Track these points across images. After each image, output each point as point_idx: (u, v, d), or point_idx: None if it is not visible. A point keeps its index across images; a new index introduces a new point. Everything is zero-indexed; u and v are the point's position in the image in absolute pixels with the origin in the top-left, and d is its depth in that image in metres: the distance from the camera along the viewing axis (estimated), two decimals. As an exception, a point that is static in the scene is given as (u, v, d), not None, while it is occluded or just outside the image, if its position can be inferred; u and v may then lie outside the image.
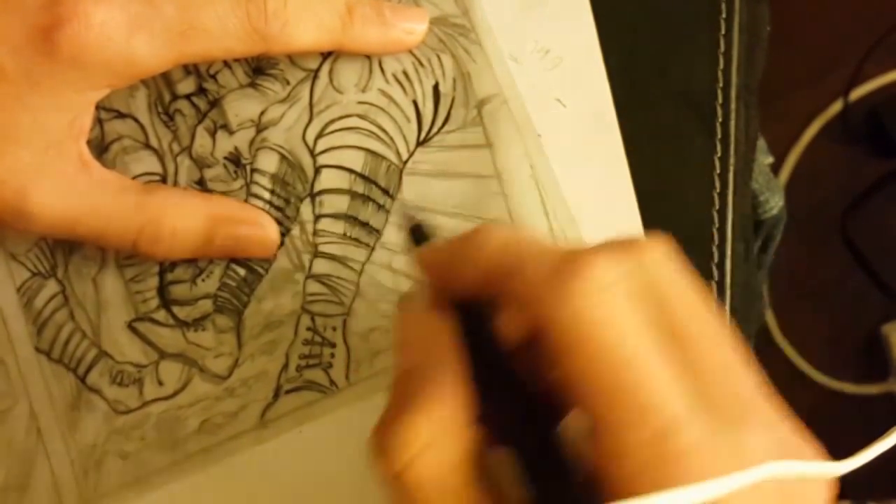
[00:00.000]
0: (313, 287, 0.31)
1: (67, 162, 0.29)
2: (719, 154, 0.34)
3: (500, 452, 0.22)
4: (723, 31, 0.34)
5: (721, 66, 0.34)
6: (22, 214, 0.29)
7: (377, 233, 0.31)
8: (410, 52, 0.32)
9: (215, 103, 0.32)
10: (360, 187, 0.32)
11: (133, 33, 0.28)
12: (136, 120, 0.32)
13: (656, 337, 0.20)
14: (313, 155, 0.32)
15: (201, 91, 0.32)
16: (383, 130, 0.32)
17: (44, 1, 0.27)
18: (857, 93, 0.88)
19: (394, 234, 0.31)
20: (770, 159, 0.51)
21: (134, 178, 0.32)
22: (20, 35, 0.27)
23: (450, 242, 0.25)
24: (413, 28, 0.32)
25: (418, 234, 0.28)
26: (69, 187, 0.29)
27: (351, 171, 0.32)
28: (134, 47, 0.28)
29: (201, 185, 0.32)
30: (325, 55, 0.32)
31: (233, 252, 0.31)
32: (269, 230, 0.31)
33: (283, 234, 0.31)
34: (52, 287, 0.32)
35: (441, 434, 0.21)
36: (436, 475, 0.21)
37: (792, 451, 0.21)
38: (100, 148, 0.32)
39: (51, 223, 0.29)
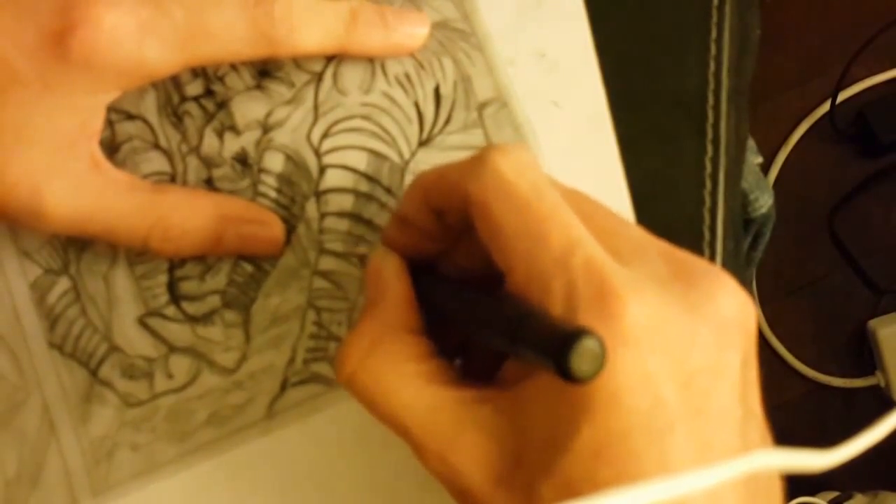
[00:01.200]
0: (319, 283, 0.32)
1: (80, 162, 0.30)
2: (710, 155, 0.34)
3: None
4: (714, 36, 0.35)
5: (712, 69, 0.35)
6: (35, 213, 0.29)
7: (381, 230, 0.32)
8: (412, 55, 0.33)
9: (223, 105, 0.33)
10: (363, 186, 0.32)
11: (143, 37, 0.28)
12: (145, 121, 0.33)
13: (556, 195, 0.24)
14: (318, 155, 0.32)
15: (209, 93, 0.33)
16: (386, 131, 0.33)
17: (56, 5, 0.28)
18: (845, 94, 0.89)
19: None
20: (759, 159, 0.52)
21: (144, 177, 0.32)
22: (33, 39, 0.28)
23: (400, 202, 0.29)
24: (415, 32, 0.32)
25: None
26: (81, 186, 0.30)
27: (355, 170, 0.32)
28: (144, 51, 0.28)
29: (209, 184, 0.33)
30: (329, 58, 0.33)
31: (240, 250, 0.32)
32: (276, 229, 0.32)
33: (289, 232, 0.32)
34: (64, 283, 0.32)
35: (382, 339, 0.25)
36: (384, 373, 0.25)
37: (670, 276, 0.23)
38: (111, 148, 0.33)
39: (64, 222, 0.30)
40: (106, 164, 0.31)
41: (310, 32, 0.31)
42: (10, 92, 0.28)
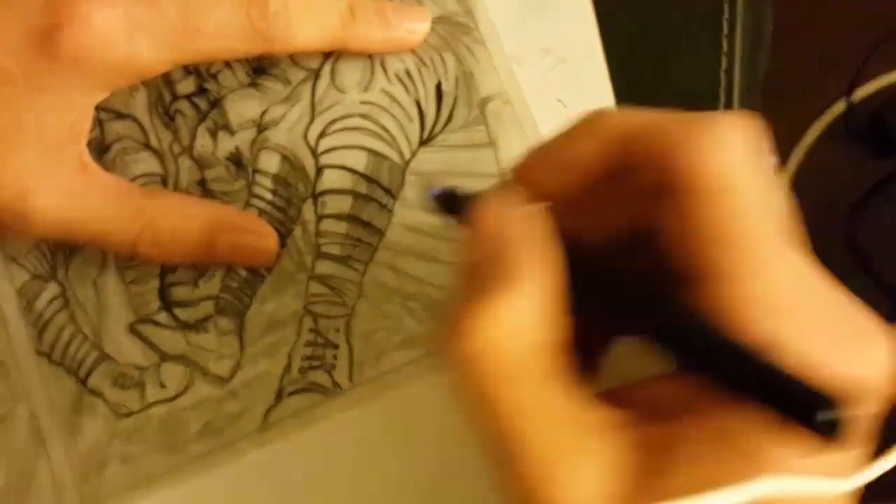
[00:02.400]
0: (316, 288, 0.31)
1: (68, 164, 0.29)
2: (722, 154, 0.34)
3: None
4: (725, 32, 0.34)
5: (723, 66, 0.34)
6: (22, 216, 0.29)
7: (380, 233, 0.31)
8: (413, 51, 0.32)
9: (216, 103, 0.32)
10: (362, 187, 0.31)
11: (134, 34, 0.28)
12: (136, 120, 0.32)
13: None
14: (315, 155, 0.32)
15: (202, 91, 0.32)
16: (386, 130, 0.32)
17: (45, 3, 0.27)
18: (860, 93, 0.87)
19: (397, 235, 0.31)
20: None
21: (134, 178, 0.32)
22: (21, 36, 0.27)
23: (549, 141, 0.24)
24: (415, 27, 0.31)
25: (447, 200, 0.26)
26: (69, 190, 0.29)
27: (353, 171, 0.32)
28: (135, 48, 0.28)
29: (202, 185, 0.32)
30: (327, 55, 0.32)
31: (231, 259, 0.31)
32: (270, 240, 0.31)
33: (285, 235, 0.31)
34: (52, 289, 0.32)
35: (532, 322, 0.20)
36: (517, 361, 0.20)
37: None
38: (100, 149, 0.32)
39: (50, 225, 0.29)
40: (94, 167, 0.30)
41: (306, 28, 0.30)
42: None
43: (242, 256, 0.31)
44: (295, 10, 0.29)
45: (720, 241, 0.20)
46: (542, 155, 0.24)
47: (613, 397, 0.21)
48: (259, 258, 0.31)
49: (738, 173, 0.20)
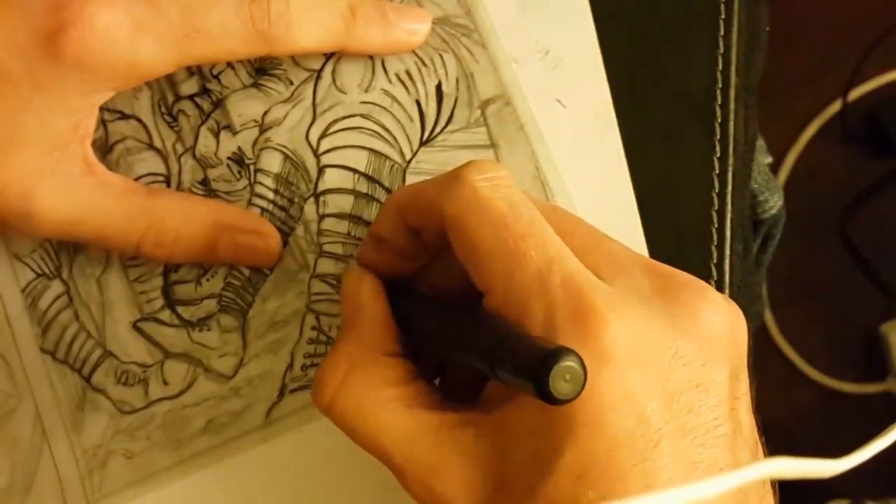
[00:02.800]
0: (318, 286, 0.31)
1: (72, 164, 0.29)
2: (718, 154, 0.34)
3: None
4: (722, 32, 0.34)
5: (720, 66, 0.34)
6: (26, 216, 0.29)
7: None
8: (413, 52, 0.32)
9: (218, 104, 0.32)
10: (363, 187, 0.32)
11: (137, 36, 0.28)
12: (139, 121, 0.32)
13: (533, 211, 0.24)
14: (317, 155, 0.32)
15: (204, 91, 0.32)
16: (386, 130, 0.32)
17: (48, 4, 0.27)
18: (856, 93, 0.88)
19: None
20: (769, 159, 0.51)
21: (138, 178, 0.32)
22: (25, 38, 0.27)
23: (374, 221, 0.29)
24: (415, 28, 0.32)
25: None
26: (74, 189, 0.29)
27: (354, 170, 0.32)
28: (138, 50, 0.28)
29: (205, 185, 0.32)
30: (328, 55, 0.32)
31: (234, 259, 0.31)
32: (273, 241, 0.31)
33: (287, 234, 0.32)
34: (56, 287, 0.32)
35: (357, 364, 0.25)
36: (362, 398, 0.24)
37: (653, 291, 0.23)
38: (104, 149, 0.32)
39: (55, 225, 0.29)
40: (99, 167, 0.30)
41: (307, 30, 0.30)
42: (0, 92, 0.28)
43: (245, 256, 0.31)
44: (297, 12, 0.30)
45: (485, 251, 0.23)
46: (367, 242, 0.29)
47: (468, 405, 0.25)
48: (262, 258, 0.31)
49: (482, 196, 0.24)
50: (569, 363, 0.19)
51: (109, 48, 0.28)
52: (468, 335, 0.23)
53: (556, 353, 0.19)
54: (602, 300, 0.22)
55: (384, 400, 0.24)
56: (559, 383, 0.19)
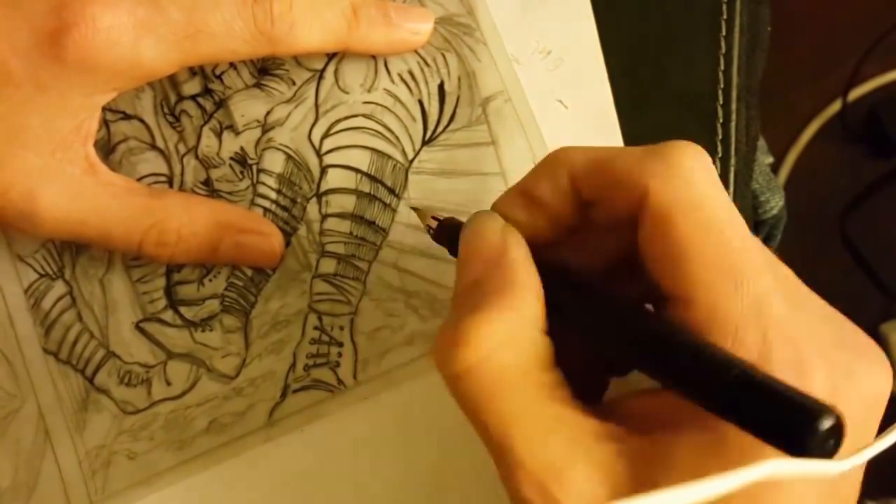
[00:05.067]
0: (320, 286, 0.31)
1: (75, 165, 0.29)
2: (720, 154, 0.34)
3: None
4: (723, 33, 0.34)
5: (722, 67, 0.34)
6: (29, 217, 0.29)
7: (383, 232, 0.31)
8: (416, 51, 0.32)
9: (221, 104, 0.32)
10: (366, 186, 0.32)
11: (139, 37, 0.28)
12: (142, 121, 0.32)
13: (746, 227, 0.21)
14: (319, 155, 0.32)
15: (207, 92, 0.32)
16: (389, 130, 0.32)
17: (51, 5, 0.27)
18: (856, 93, 0.88)
19: (400, 234, 0.31)
20: (770, 159, 0.51)
21: (140, 178, 0.32)
22: (28, 39, 0.27)
23: (518, 182, 0.25)
24: (418, 28, 0.32)
25: (446, 231, 0.27)
26: (76, 190, 0.29)
27: (357, 170, 0.32)
28: (140, 51, 0.28)
29: (207, 185, 0.32)
30: (331, 56, 0.32)
31: (236, 259, 0.31)
32: (275, 241, 0.31)
33: (289, 234, 0.31)
34: (59, 288, 0.32)
35: (514, 337, 0.21)
36: (508, 375, 0.21)
37: (834, 342, 0.21)
38: (106, 149, 0.32)
39: (58, 225, 0.29)
40: (101, 167, 0.30)
41: (310, 30, 0.30)
42: (3, 92, 0.28)
43: (247, 257, 0.31)
44: (299, 12, 0.30)
45: (697, 259, 0.21)
46: (512, 196, 0.25)
47: (602, 412, 0.22)
48: (264, 258, 0.31)
49: (701, 192, 0.21)
50: (832, 424, 0.17)
51: (112, 49, 0.28)
52: (668, 350, 0.20)
53: (822, 411, 0.17)
54: (812, 351, 0.20)
55: (531, 384, 0.21)
56: (820, 443, 0.17)
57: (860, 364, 0.21)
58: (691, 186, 0.21)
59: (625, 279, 0.24)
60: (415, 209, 0.31)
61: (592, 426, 0.21)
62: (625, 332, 0.22)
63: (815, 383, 0.20)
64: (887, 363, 0.22)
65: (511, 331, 0.21)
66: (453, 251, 0.26)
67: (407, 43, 0.32)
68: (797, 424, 0.17)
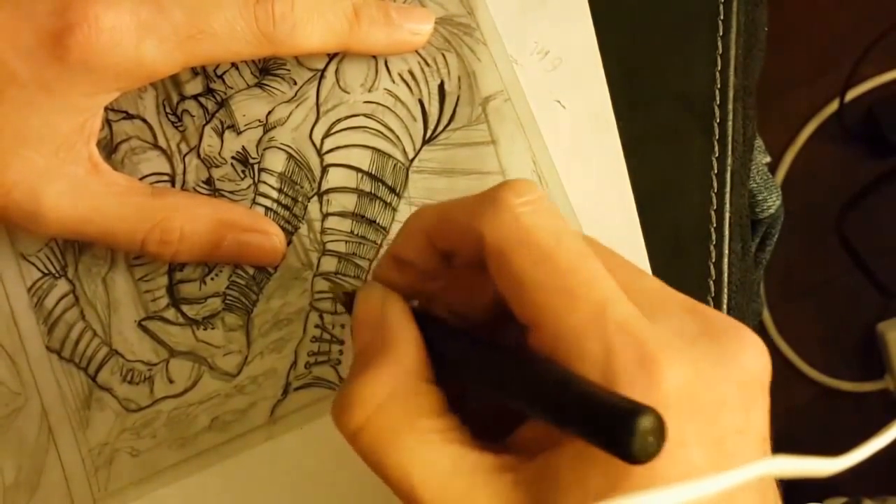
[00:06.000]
0: (321, 285, 0.31)
1: (78, 164, 0.30)
2: (717, 154, 0.34)
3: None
4: (721, 33, 0.35)
5: (719, 67, 0.34)
6: (33, 216, 0.29)
7: (384, 230, 0.32)
8: (416, 51, 0.32)
9: (223, 103, 0.32)
10: (367, 186, 0.32)
11: (142, 38, 0.28)
12: (144, 120, 0.32)
13: (580, 244, 0.23)
14: (320, 154, 0.32)
15: (209, 91, 0.32)
16: (390, 129, 0.32)
17: (54, 6, 0.27)
18: (853, 93, 0.88)
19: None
20: (767, 159, 0.52)
21: (142, 178, 0.32)
22: (31, 39, 0.27)
23: (389, 246, 0.27)
24: (419, 29, 0.32)
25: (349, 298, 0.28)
26: (80, 189, 0.29)
27: (358, 169, 0.32)
28: (143, 52, 0.28)
29: (209, 184, 0.32)
30: (331, 55, 0.32)
31: (238, 258, 0.31)
32: (276, 239, 0.31)
33: (290, 233, 0.32)
34: (62, 286, 0.32)
35: (396, 391, 0.23)
36: (398, 426, 0.22)
37: (697, 333, 0.22)
38: (109, 148, 0.32)
39: (61, 224, 0.29)
40: (104, 167, 0.30)
41: (312, 31, 0.30)
42: (6, 93, 0.28)
43: (250, 255, 0.31)
44: (301, 13, 0.30)
45: (532, 286, 0.22)
46: (386, 261, 0.27)
47: (501, 446, 0.23)
48: (266, 257, 0.31)
49: (526, 225, 0.22)
50: (650, 424, 0.18)
51: (114, 49, 0.28)
52: (516, 376, 0.22)
53: (636, 413, 0.18)
54: (659, 346, 0.21)
55: (423, 431, 0.22)
56: (641, 443, 0.18)
57: (728, 348, 0.22)
58: (518, 221, 0.22)
59: (509, 318, 0.25)
60: (330, 286, 0.32)
61: (489, 461, 0.22)
62: (486, 368, 0.23)
63: (666, 378, 0.20)
64: (759, 342, 0.23)
65: (394, 384, 0.23)
66: None
67: (408, 43, 0.32)
68: (615, 429, 0.18)
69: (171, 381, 0.31)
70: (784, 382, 0.97)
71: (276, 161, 0.32)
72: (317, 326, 0.31)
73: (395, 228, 0.32)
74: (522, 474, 0.22)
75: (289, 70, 0.32)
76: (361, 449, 0.23)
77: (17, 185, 0.29)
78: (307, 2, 0.30)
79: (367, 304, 0.26)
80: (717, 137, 0.34)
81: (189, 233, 0.30)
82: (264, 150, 0.32)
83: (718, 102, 0.34)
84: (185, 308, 0.32)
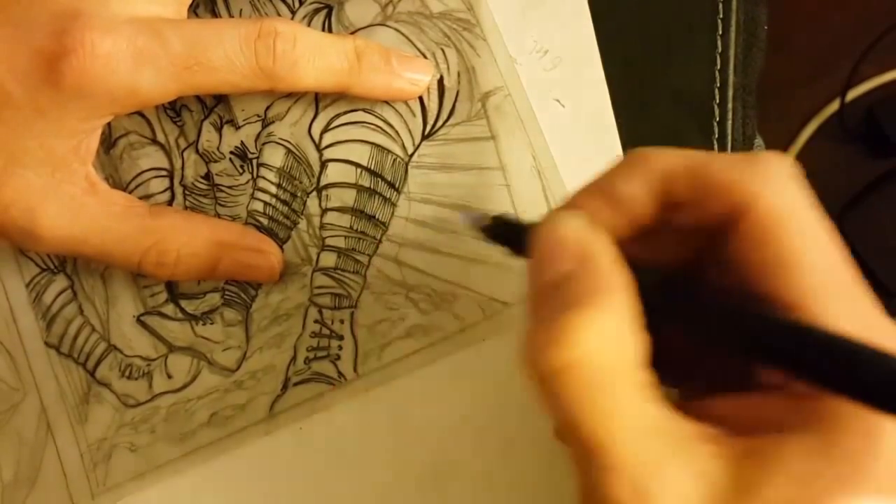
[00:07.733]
0: (320, 280, 0.31)
1: (75, 184, 0.29)
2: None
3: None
4: (720, 32, 0.35)
5: (718, 66, 0.34)
6: (30, 235, 0.29)
7: (383, 226, 0.32)
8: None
9: (221, 98, 0.32)
10: (366, 181, 0.32)
11: (138, 66, 0.28)
12: (143, 115, 0.32)
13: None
14: (319, 149, 0.32)
15: (208, 87, 0.32)
16: (389, 124, 0.32)
17: (52, 29, 0.27)
18: (854, 93, 0.88)
19: (400, 227, 0.32)
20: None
21: (141, 172, 0.32)
22: (27, 62, 0.27)
23: (596, 179, 0.24)
24: (418, 80, 0.32)
25: (498, 227, 0.26)
26: (76, 209, 0.29)
27: (357, 164, 0.32)
28: (138, 80, 0.28)
29: (208, 179, 0.32)
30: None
31: (236, 277, 0.31)
32: (273, 258, 0.31)
33: (289, 228, 0.32)
34: (61, 282, 0.32)
35: (616, 334, 0.21)
36: (607, 374, 0.20)
37: None
38: (107, 144, 0.32)
39: (57, 243, 0.29)
40: (102, 186, 0.30)
41: (312, 70, 0.30)
42: (2, 114, 0.28)
43: (247, 274, 0.31)
44: (302, 51, 0.29)
45: (808, 267, 0.21)
46: (592, 192, 0.24)
47: (689, 412, 0.22)
48: (263, 276, 0.31)
49: (805, 203, 0.21)
50: None
51: (109, 77, 0.27)
52: (780, 336, 0.20)
53: None
54: None
55: (629, 384, 0.21)
56: None
57: None
58: (796, 197, 0.21)
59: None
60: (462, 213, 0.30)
61: (689, 427, 0.21)
62: (756, 330, 0.21)
63: None
64: None
65: (610, 330, 0.21)
66: (514, 250, 0.25)
67: (405, 92, 0.31)
68: None
69: (169, 377, 0.31)
70: (785, 384, 0.97)
71: (274, 156, 0.32)
72: (316, 322, 0.31)
73: (394, 224, 0.32)
74: (726, 449, 0.20)
75: (288, 65, 0.32)
76: (558, 389, 0.20)
77: (14, 203, 0.28)
78: (310, 40, 0.30)
79: (570, 232, 0.23)
80: (716, 136, 0.34)
81: (186, 255, 0.30)
82: (263, 144, 0.32)
83: (718, 101, 0.34)
84: (183, 303, 0.32)
